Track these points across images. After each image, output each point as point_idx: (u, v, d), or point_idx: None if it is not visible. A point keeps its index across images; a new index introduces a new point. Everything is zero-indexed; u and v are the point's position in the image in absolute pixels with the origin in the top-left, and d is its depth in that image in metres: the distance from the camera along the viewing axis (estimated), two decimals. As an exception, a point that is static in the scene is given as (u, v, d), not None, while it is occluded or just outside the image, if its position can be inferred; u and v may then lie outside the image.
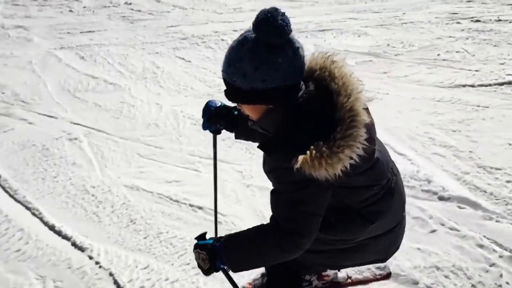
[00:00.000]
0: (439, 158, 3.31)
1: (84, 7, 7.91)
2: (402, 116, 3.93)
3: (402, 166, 3.21)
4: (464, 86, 4.38)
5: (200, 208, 3.07)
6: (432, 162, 3.27)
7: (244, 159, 3.56)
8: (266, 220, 1.55)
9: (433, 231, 2.66)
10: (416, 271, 2.39)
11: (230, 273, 1.68)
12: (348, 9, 6.97)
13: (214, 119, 1.85)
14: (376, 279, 2.40)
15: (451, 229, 2.66)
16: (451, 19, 6.17)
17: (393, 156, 3.35)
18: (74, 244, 2.82)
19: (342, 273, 2.37)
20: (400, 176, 1.77)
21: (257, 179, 3.28)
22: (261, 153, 1.53)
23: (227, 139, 3.85)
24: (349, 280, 2.38)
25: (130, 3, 7.90)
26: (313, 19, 6.63)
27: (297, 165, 1.28)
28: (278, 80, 1.32)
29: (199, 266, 1.62)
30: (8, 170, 3.65)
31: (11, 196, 3.33)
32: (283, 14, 1.33)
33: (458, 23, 6.01)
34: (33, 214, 3.13)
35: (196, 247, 1.61)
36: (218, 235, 1.82)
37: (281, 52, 1.32)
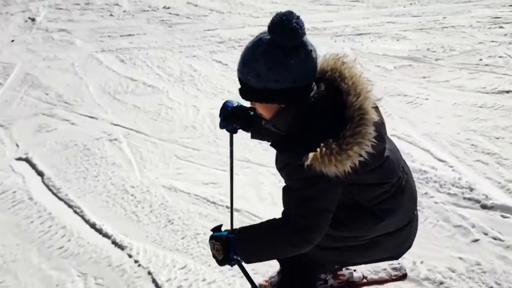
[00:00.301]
0: (481, 165, 3.22)
1: (124, 11, 8.09)
2: (443, 122, 3.84)
3: (443, 172, 3.15)
4: (507, 92, 4.24)
5: (237, 210, 3.08)
6: (475, 170, 3.18)
7: (280, 163, 3.56)
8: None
9: (476, 240, 2.59)
10: (457, 281, 2.33)
11: (244, 265, 1.73)
12: (386, 12, 6.86)
13: (231, 118, 1.90)
14: (391, 279, 2.39)
15: (495, 238, 2.58)
16: (493, 23, 5.99)
17: (433, 163, 3.32)
18: (114, 243, 2.89)
19: (358, 273, 2.37)
20: (412, 175, 1.78)
21: (294, 183, 3.27)
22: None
23: (264, 142, 3.86)
24: (364, 280, 2.38)
25: (169, 7, 8.03)
26: (350, 23, 6.56)
27: (308, 162, 1.32)
28: (290, 81, 1.38)
29: (214, 256, 1.69)
30: (52, 169, 3.77)
31: (54, 194, 3.44)
32: (298, 17, 1.37)
33: (501, 27, 5.83)
34: (75, 212, 3.22)
35: (211, 238, 1.69)
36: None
37: (295, 54, 1.36)
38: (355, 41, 5.94)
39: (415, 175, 3.19)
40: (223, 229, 1.74)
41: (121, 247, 2.85)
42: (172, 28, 7.16)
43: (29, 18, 8.17)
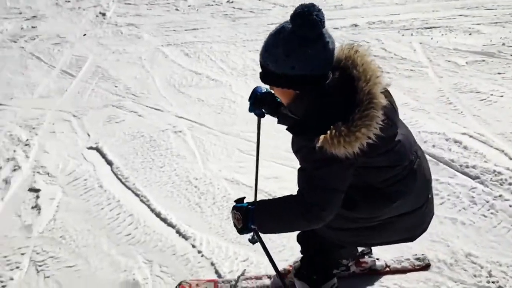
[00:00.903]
0: None
1: (189, 6, 8.24)
2: (519, 121, 3.62)
3: (520, 175, 2.96)
4: None
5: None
6: (555, 173, 2.97)
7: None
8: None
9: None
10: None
11: (265, 243, 1.89)
12: (458, 5, 6.54)
13: (259, 103, 2.01)
14: (414, 269, 2.40)
15: None
16: None
17: (509, 164, 3.13)
18: (178, 232, 2.97)
19: (381, 262, 2.41)
20: (426, 159, 1.81)
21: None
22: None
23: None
24: (387, 269, 2.41)
25: (232, 1, 8.09)
26: (419, 15, 6.31)
27: (319, 144, 1.41)
28: (306, 69, 1.47)
29: (234, 225, 1.81)
30: (120, 158, 3.92)
31: (123, 183, 3.58)
32: (319, 10, 1.46)
33: None
34: (142, 201, 3.33)
35: (233, 208, 1.81)
36: None
37: (312, 45, 1.45)
38: (424, 35, 5.71)
39: (488, 176, 3.03)
40: (245, 201, 1.84)
41: (185, 237, 2.92)
42: (236, 22, 7.21)
43: (100, 13, 8.51)
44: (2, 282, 2.68)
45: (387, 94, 1.55)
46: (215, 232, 2.93)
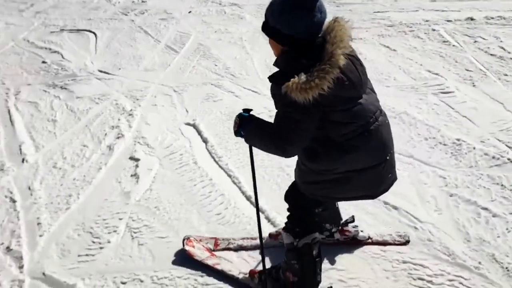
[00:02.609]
0: None
1: (293, -11, 8.16)
2: None
3: None
4: None
5: (395, 208, 2.92)
6: None
7: (449, 165, 3.26)
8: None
9: None
10: None
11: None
12: None
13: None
14: (394, 243, 2.64)
15: None
16: None
17: None
18: (267, 218, 2.95)
19: (364, 233, 2.66)
20: (388, 128, 2.04)
21: (463, 189, 2.98)
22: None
23: (430, 139, 3.58)
24: (369, 240, 2.65)
25: (338, -14, 7.88)
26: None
27: (283, 90, 1.72)
28: (291, 31, 1.78)
29: (233, 127, 2.13)
30: (215, 137, 3.98)
31: (216, 162, 3.63)
32: None
33: None
34: (233, 182, 3.36)
35: (238, 113, 2.10)
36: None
37: (301, 12, 1.75)
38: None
39: None
40: (253, 112, 2.12)
41: (273, 224, 2.89)
42: (340, 8, 7.00)
43: (206, -9, 8.71)
44: (100, 243, 2.84)
45: (355, 61, 1.87)
46: (304, 223, 2.87)
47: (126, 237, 2.89)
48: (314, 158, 1.97)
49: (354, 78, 1.85)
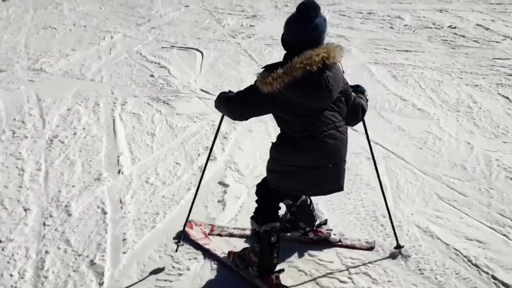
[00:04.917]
0: None
1: (405, 25, 7.81)
2: None
3: None
4: None
5: (506, 285, 2.54)
6: None
7: None
8: None
9: None
10: None
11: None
12: None
13: None
14: (360, 248, 2.90)
15: None
16: None
17: None
18: (355, 273, 2.72)
19: (336, 236, 2.96)
20: (339, 140, 2.35)
21: None
22: None
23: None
24: (339, 243, 2.94)
25: (455, 27, 7.41)
26: None
27: (255, 81, 2.25)
28: (289, 38, 2.27)
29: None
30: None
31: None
32: (315, 7, 2.21)
33: None
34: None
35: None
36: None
37: (299, 26, 2.22)
38: None
39: None
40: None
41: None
42: (455, 50, 6.57)
43: (314, 20, 8.69)
44: (179, 269, 2.78)
45: (331, 79, 2.21)
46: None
47: (205, 267, 2.80)
48: (276, 146, 2.42)
49: (321, 95, 2.23)
